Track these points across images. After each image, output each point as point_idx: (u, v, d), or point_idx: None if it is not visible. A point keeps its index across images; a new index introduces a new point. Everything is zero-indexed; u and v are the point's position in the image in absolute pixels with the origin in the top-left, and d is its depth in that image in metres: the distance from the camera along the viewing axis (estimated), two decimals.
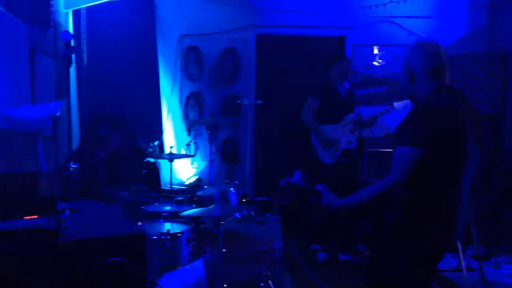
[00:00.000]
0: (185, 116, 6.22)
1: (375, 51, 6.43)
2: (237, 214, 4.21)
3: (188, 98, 6.21)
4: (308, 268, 4.29)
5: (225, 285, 3.67)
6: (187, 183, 6.00)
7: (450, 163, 2.51)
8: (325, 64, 5.36)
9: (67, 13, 5.56)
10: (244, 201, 4.44)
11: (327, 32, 6.42)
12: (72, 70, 5.73)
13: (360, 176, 5.27)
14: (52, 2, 4.58)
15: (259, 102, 5.75)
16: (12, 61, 3.38)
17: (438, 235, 2.57)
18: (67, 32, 2.83)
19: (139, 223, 3.85)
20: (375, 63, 6.43)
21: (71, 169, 2.83)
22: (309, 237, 5.39)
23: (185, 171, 6.18)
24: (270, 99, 6.10)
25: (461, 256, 4.49)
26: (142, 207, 4.23)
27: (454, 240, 2.72)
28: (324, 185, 2.79)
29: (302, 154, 5.51)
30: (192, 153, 6.15)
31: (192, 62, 6.19)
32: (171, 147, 4.70)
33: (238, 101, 6.02)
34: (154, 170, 5.72)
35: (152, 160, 5.66)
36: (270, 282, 3.85)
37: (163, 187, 5.57)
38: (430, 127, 2.44)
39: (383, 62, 6.43)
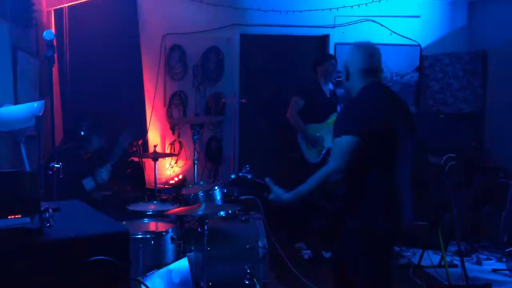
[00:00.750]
0: (169, 115, 6.22)
1: None
2: (222, 212, 4.21)
3: (172, 97, 6.21)
4: (292, 265, 4.33)
5: (210, 283, 3.68)
6: (171, 182, 5.99)
7: (383, 150, 2.68)
8: (312, 63, 5.40)
9: (49, 12, 5.53)
10: (228, 200, 4.45)
11: (310, 31, 6.46)
12: (55, 69, 5.71)
13: None
14: (33, 1, 4.55)
15: (243, 101, 5.77)
16: None
17: (386, 219, 2.70)
18: (50, 31, 2.82)
19: (124, 222, 3.86)
20: None
21: (54, 168, 2.83)
22: (293, 236, 5.44)
23: (169, 170, 6.18)
24: (254, 98, 6.12)
25: (443, 253, 4.57)
26: (126, 206, 4.24)
27: (401, 230, 2.83)
28: (270, 179, 2.91)
29: (288, 153, 5.54)
30: (176, 152, 6.15)
31: (175, 61, 6.20)
32: (155, 146, 4.70)
33: (222, 100, 6.04)
34: (138, 169, 5.71)
35: (136, 159, 5.65)
36: (254, 280, 3.88)
37: (147, 186, 5.57)
38: (362, 116, 2.67)
39: None
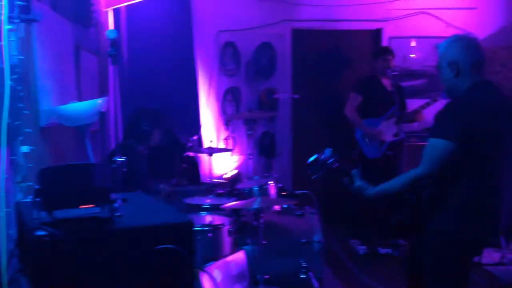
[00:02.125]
0: (223, 111, 6.30)
1: (412, 43, 6.37)
2: (277, 207, 4.25)
3: (225, 93, 6.29)
4: (348, 260, 4.33)
5: (266, 277, 3.73)
6: (226, 176, 6.08)
7: (484, 157, 2.50)
8: (372, 56, 5.36)
9: (107, 12, 5.71)
10: (283, 194, 4.48)
11: (363, 25, 6.39)
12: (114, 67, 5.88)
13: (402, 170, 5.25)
14: (93, 1, 4.71)
15: (295, 96, 5.77)
16: (60, 59, 3.50)
17: (475, 228, 2.56)
18: (113, 30, 2.93)
19: None
20: (412, 55, 6.37)
21: (118, 162, 2.93)
22: (349, 231, 5.42)
23: (223, 165, 6.27)
24: (307, 93, 6.11)
25: (504, 250, 4.44)
26: (183, 200, 4.34)
27: (494, 234, 2.72)
28: (358, 171, 2.79)
29: (343, 148, 5.51)
30: (230, 148, 6.23)
31: (229, 57, 6.26)
32: (211, 141, 4.78)
33: (274, 96, 6.06)
34: (194, 164, 5.82)
35: (191, 154, 5.75)
36: (310, 274, 3.89)
37: (202, 180, 5.67)
38: (464, 121, 2.45)
39: (421, 55, 6.36)
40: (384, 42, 6.33)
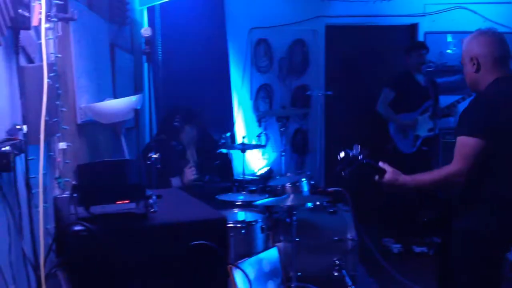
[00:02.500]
0: (256, 108, 6.31)
1: (449, 39, 6.25)
2: (309, 204, 4.24)
3: (258, 90, 6.30)
4: (382, 259, 4.27)
5: (299, 274, 3.72)
6: (258, 173, 6.09)
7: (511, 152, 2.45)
8: (404, 51, 5.30)
9: (142, 10, 5.78)
10: (316, 191, 4.46)
11: (398, 20, 6.29)
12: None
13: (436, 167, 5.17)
14: (128, 0, 4.77)
15: (329, 93, 5.73)
16: (96, 57, 3.56)
17: (503, 226, 2.51)
18: (148, 28, 2.96)
19: None
20: (449, 51, 6.25)
21: (153, 158, 2.97)
22: (382, 230, 5.36)
23: (256, 162, 6.28)
24: (340, 90, 6.05)
25: None
26: (216, 196, 4.36)
27: None
28: (387, 163, 2.73)
29: (377, 144, 5.45)
30: (263, 144, 6.24)
31: (261, 54, 6.27)
32: (243, 137, 4.79)
33: (307, 93, 6.03)
34: (227, 161, 5.85)
35: (224, 151, 5.78)
36: (343, 271, 3.87)
37: (235, 177, 5.69)
38: (491, 117, 2.41)
39: (457, 50, 6.23)
40: (420, 38, 6.22)
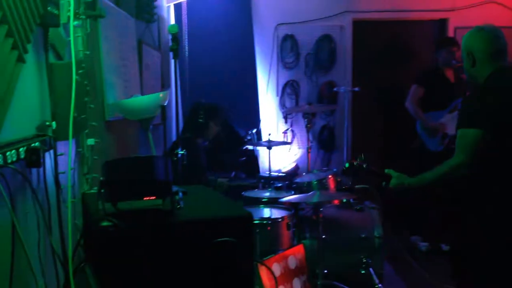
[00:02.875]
0: (282, 104, 6.29)
1: None
2: (336, 201, 4.20)
3: (284, 87, 6.28)
4: (409, 257, 4.23)
5: (325, 271, 3.70)
6: (284, 170, 6.07)
7: None
8: (435, 47, 5.21)
9: (168, 7, 5.81)
10: (342, 188, 4.42)
11: (427, 15, 6.19)
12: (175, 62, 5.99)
13: None
14: None
15: (356, 89, 5.67)
16: (124, 54, 3.59)
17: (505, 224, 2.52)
18: (175, 25, 2.97)
19: None
20: None
21: (179, 155, 2.98)
22: (410, 228, 5.30)
23: (282, 158, 6.26)
24: (367, 86, 5.99)
25: None
26: (242, 193, 4.36)
27: None
28: (391, 170, 2.83)
29: (403, 142, 5.39)
30: (289, 141, 6.22)
31: (288, 50, 6.24)
32: (269, 134, 4.78)
33: (334, 89, 5.98)
34: (253, 158, 5.85)
35: (250, 147, 5.78)
36: (370, 269, 3.83)
37: (261, 174, 5.68)
38: (490, 106, 2.49)
39: None
40: (450, 33, 6.11)
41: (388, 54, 6.27)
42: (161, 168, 1.76)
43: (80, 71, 2.52)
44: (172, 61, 3.27)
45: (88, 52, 2.69)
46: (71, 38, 2.31)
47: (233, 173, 5.08)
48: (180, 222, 1.77)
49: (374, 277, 3.79)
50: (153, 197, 1.76)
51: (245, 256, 1.80)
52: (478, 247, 2.60)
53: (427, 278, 4.12)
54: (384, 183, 2.82)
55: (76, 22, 2.57)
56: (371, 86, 6.13)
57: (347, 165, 2.90)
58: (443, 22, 6.22)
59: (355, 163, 2.88)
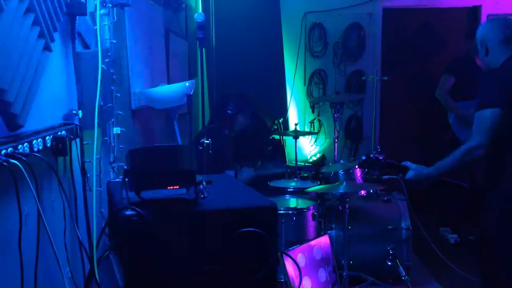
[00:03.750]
0: (309, 93, 6.23)
1: None
2: (363, 191, 4.16)
3: (312, 76, 6.22)
4: (437, 249, 4.15)
5: (351, 262, 3.67)
6: (311, 160, 6.03)
7: None
8: (464, 36, 5.08)
9: None
10: (370, 179, 4.37)
11: (459, 2, 6.04)
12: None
13: None
14: None
15: (385, 78, 5.58)
16: (151, 43, 3.60)
17: None
18: (201, 13, 2.95)
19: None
20: None
21: (204, 144, 2.98)
22: (439, 220, 5.21)
23: (309, 148, 6.22)
24: (397, 76, 5.89)
25: None
26: (268, 183, 4.35)
27: None
28: (409, 162, 2.79)
29: (434, 133, 5.29)
30: (316, 131, 6.17)
31: (316, 39, 6.17)
32: (296, 124, 4.74)
33: (363, 78, 5.90)
34: (279, 147, 5.82)
35: (277, 137, 5.76)
36: (397, 261, 3.79)
37: (288, 163, 5.66)
38: (504, 86, 2.50)
39: None
40: (482, 20, 5.95)
41: (419, 42, 6.15)
42: (185, 158, 1.75)
43: (107, 60, 2.53)
44: (199, 50, 3.26)
45: (114, 41, 2.70)
46: (98, 26, 2.31)
47: (260, 162, 5.06)
48: (204, 212, 1.77)
49: (401, 268, 3.74)
50: (177, 186, 1.76)
51: (270, 246, 1.78)
52: (500, 230, 2.58)
53: (455, 270, 4.04)
54: (401, 175, 2.78)
55: (103, 11, 2.58)
56: (400, 75, 6.03)
57: (363, 157, 2.86)
58: (475, 9, 6.06)
59: (371, 155, 2.84)
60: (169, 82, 4.01)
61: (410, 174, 2.74)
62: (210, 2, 5.83)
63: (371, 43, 6.13)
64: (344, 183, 3.69)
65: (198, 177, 1.83)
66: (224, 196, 1.98)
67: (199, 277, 1.73)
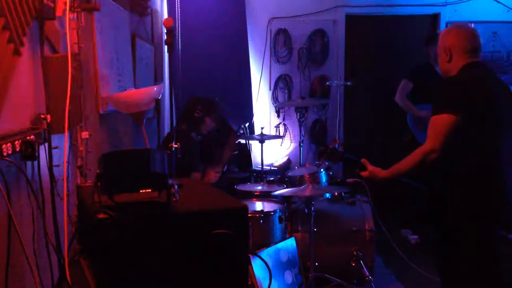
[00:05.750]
0: (275, 98, 6.30)
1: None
2: (328, 194, 4.24)
3: (277, 81, 6.29)
4: (399, 249, 4.26)
5: (316, 264, 3.74)
6: (277, 164, 6.10)
7: (482, 129, 2.59)
8: (424, 41, 5.24)
9: (162, 0, 5.81)
10: (334, 182, 4.46)
11: (420, 10, 6.23)
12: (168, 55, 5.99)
13: None
14: None
15: (348, 83, 5.70)
16: (118, 47, 3.59)
17: (485, 202, 2.60)
18: (170, 19, 2.97)
19: None
20: None
21: (173, 148, 3.00)
22: (401, 221, 5.35)
23: (275, 152, 6.29)
24: (360, 81, 6.02)
25: None
26: (235, 186, 4.39)
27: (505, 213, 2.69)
28: (366, 159, 2.88)
29: (394, 135, 5.42)
30: (281, 135, 6.24)
31: (281, 45, 6.25)
32: (262, 128, 4.80)
33: (327, 83, 6.01)
34: (245, 151, 5.87)
35: (243, 141, 5.80)
36: (361, 262, 3.88)
37: (254, 167, 5.71)
38: (460, 93, 2.58)
39: (483, 40, 6.13)
40: (442, 27, 6.15)
41: (381, 48, 6.30)
42: (157, 161, 1.78)
43: (75, 64, 2.53)
44: (166, 55, 3.28)
45: (82, 45, 2.69)
46: (67, 31, 2.32)
47: (225, 167, 5.10)
48: (176, 214, 1.80)
49: (365, 269, 3.84)
50: (149, 190, 1.78)
51: (240, 247, 1.83)
52: (456, 233, 2.66)
53: (416, 269, 4.16)
54: (358, 169, 2.87)
55: (71, 15, 2.57)
56: (363, 81, 6.16)
57: (322, 148, 2.97)
58: (435, 17, 6.26)
59: (331, 147, 2.94)
60: (136, 86, 4.00)
61: (365, 174, 2.83)
62: (176, 7, 5.84)
63: (335, 49, 6.25)
64: (309, 186, 3.76)
65: (170, 181, 1.86)
66: (196, 199, 2.01)
67: (171, 279, 1.76)
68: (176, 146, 2.97)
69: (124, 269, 1.70)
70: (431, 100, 4.93)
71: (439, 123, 2.58)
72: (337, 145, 2.97)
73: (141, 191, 1.78)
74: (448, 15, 6.16)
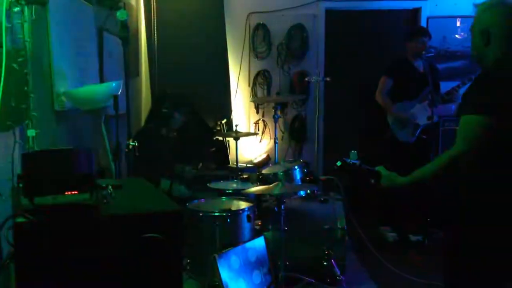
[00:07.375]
0: (253, 94, 6.21)
1: (458, 23, 6.08)
2: (302, 192, 4.15)
3: (256, 76, 6.19)
4: (375, 248, 4.19)
5: (287, 263, 3.66)
6: (256, 161, 6.01)
7: None
8: (405, 37, 5.15)
9: None
10: (307, 180, 4.38)
11: (400, 4, 6.14)
12: (144, 50, 5.89)
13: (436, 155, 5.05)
14: None
15: (328, 79, 5.61)
16: (80, 42, 3.49)
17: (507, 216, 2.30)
18: (124, 12, 2.87)
19: (202, 200, 3.92)
20: (457, 36, 6.09)
21: (130, 147, 2.90)
22: (379, 218, 5.27)
23: (254, 149, 6.20)
24: (340, 76, 5.92)
25: None
26: (207, 184, 4.29)
27: None
28: (383, 166, 2.66)
29: (375, 132, 5.34)
30: (260, 131, 6.16)
31: (260, 40, 6.15)
32: (236, 125, 4.71)
33: (306, 79, 5.91)
34: (222, 148, 5.78)
35: (220, 138, 5.72)
36: (332, 261, 3.80)
37: (231, 164, 5.62)
38: (498, 93, 2.24)
39: (464, 35, 6.06)
40: (423, 22, 6.06)
41: (361, 44, 6.21)
42: (82, 162, 1.68)
43: (20, 59, 2.43)
44: (142, 50, 3.17)
45: (28, 40, 2.59)
46: (3, 24, 2.22)
47: (201, 164, 5.01)
48: (105, 217, 1.70)
49: (336, 268, 3.76)
50: (75, 192, 1.69)
51: (173, 251, 1.74)
52: (476, 242, 2.37)
53: (390, 269, 4.09)
54: (373, 180, 2.65)
55: (16, 9, 2.48)
56: (343, 76, 6.06)
57: (338, 163, 2.73)
58: (415, 12, 6.17)
59: (348, 161, 2.71)
60: (103, 82, 3.90)
61: (383, 182, 2.60)
62: (152, 1, 5.74)
63: (314, 44, 6.15)
64: (280, 185, 3.67)
65: (104, 182, 1.77)
66: (131, 201, 1.92)
67: (99, 285, 1.67)
68: (133, 144, 2.87)
69: (48, 274, 1.61)
70: (411, 97, 4.93)
71: (470, 125, 2.27)
72: (351, 158, 2.74)
73: (66, 193, 1.69)
74: (429, 9, 6.07)
